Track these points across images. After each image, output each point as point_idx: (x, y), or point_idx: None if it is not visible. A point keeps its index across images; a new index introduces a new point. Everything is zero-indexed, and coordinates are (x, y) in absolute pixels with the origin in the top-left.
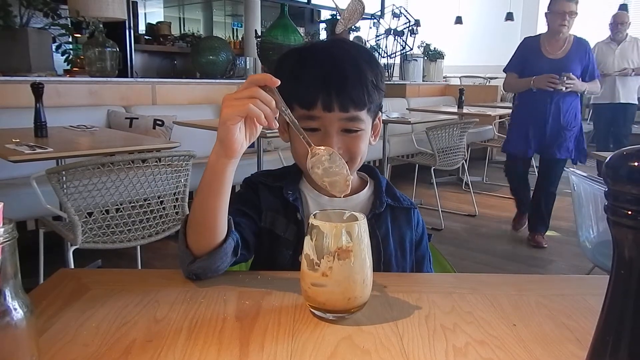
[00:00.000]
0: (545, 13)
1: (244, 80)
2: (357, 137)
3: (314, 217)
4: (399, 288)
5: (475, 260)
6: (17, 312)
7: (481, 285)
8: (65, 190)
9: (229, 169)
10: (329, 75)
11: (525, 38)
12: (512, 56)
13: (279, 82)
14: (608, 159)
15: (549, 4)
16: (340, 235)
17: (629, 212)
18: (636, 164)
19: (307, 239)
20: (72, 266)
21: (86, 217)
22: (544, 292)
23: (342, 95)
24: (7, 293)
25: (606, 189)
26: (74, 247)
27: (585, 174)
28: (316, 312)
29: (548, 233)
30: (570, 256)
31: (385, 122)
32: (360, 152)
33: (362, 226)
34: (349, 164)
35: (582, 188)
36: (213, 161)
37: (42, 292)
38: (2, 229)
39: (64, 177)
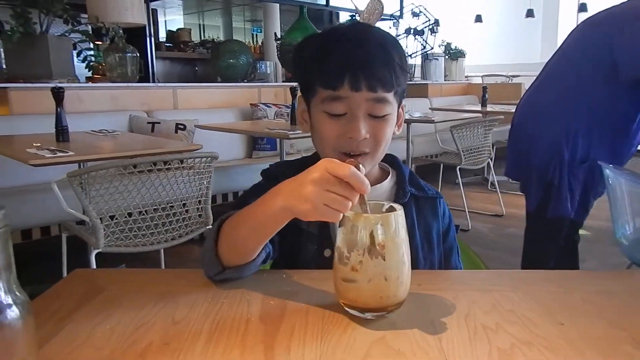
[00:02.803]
0: None
1: (264, 83)
2: (384, 121)
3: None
4: (434, 286)
5: (504, 261)
6: (12, 309)
7: (521, 282)
8: (87, 194)
9: (291, 219)
10: (355, 55)
11: None
12: None
13: (369, 191)
14: None
15: None
16: (373, 227)
17: None
18: None
19: (339, 230)
20: None
21: (108, 221)
22: (589, 288)
23: (369, 74)
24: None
25: None
26: (96, 251)
27: (620, 168)
28: (349, 310)
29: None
30: (602, 255)
31: (408, 122)
32: (385, 137)
33: (398, 219)
34: (373, 151)
35: (617, 182)
36: (276, 214)
37: (56, 293)
38: None
39: (86, 181)
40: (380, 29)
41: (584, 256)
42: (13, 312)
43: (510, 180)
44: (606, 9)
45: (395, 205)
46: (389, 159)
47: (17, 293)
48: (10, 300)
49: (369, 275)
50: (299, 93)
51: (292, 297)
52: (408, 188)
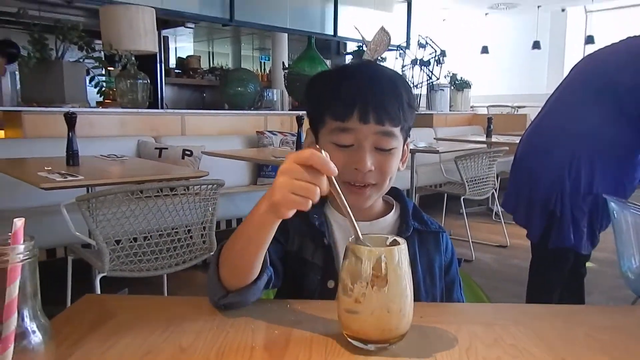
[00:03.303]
0: None
1: (271, 111)
2: (390, 155)
3: (351, 240)
4: (436, 318)
5: (507, 292)
6: (36, 335)
7: (524, 316)
8: (94, 218)
9: (276, 224)
10: (366, 89)
11: None
12: None
13: (337, 172)
14: None
15: None
16: (376, 260)
17: None
18: None
19: (343, 262)
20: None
21: (114, 245)
22: (593, 323)
23: (378, 108)
24: (26, 314)
25: None
26: (101, 275)
27: (625, 201)
28: (352, 341)
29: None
30: (608, 288)
31: (413, 152)
32: (391, 171)
33: (402, 252)
34: (378, 185)
35: (622, 215)
36: (261, 217)
37: (67, 317)
38: (23, 246)
39: (94, 205)
40: (389, 68)
41: (590, 289)
42: (37, 338)
43: (506, 212)
44: (611, 44)
45: (399, 239)
46: (394, 192)
47: (42, 319)
48: (34, 327)
49: (372, 308)
50: (308, 126)
51: (296, 326)
52: (411, 222)
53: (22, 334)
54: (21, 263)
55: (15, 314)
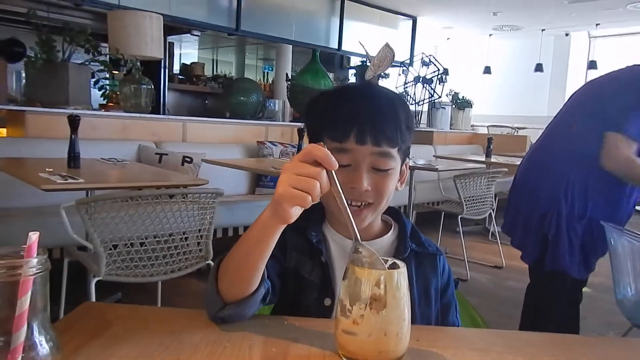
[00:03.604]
0: None
1: (272, 122)
2: (386, 175)
3: (351, 261)
4: (433, 343)
5: (502, 313)
6: (43, 347)
7: (521, 343)
8: (92, 222)
9: (279, 231)
10: (363, 110)
11: None
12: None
13: (337, 166)
14: None
15: None
16: (375, 283)
17: None
18: None
19: (343, 282)
20: (94, 297)
21: (111, 250)
22: (591, 355)
23: (376, 129)
24: (35, 327)
25: None
26: (96, 279)
27: (623, 228)
28: None
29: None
30: (603, 313)
31: (412, 169)
32: (388, 191)
33: (401, 276)
34: (375, 205)
35: (619, 243)
36: (265, 223)
37: (65, 326)
38: (36, 260)
39: (93, 209)
40: (388, 89)
41: (585, 313)
42: (45, 350)
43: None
44: (613, 71)
45: (399, 262)
46: (393, 213)
47: (51, 331)
48: (43, 339)
49: (370, 330)
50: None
51: (293, 344)
52: (409, 243)
53: (30, 347)
54: (33, 276)
55: (25, 326)
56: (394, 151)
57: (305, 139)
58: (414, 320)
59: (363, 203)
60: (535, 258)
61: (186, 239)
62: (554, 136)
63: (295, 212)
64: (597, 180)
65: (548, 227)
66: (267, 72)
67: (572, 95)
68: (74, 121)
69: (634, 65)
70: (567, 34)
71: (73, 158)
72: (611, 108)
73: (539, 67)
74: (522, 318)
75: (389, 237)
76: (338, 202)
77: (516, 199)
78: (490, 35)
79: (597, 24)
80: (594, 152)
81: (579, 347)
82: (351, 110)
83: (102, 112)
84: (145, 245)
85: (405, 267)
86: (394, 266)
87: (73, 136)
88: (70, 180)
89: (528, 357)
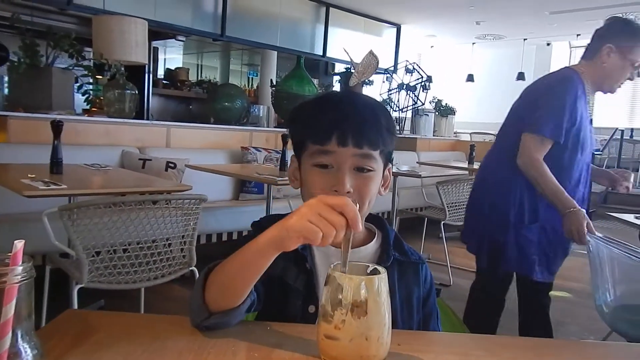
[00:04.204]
0: (608, 49)
1: (256, 127)
2: (368, 177)
3: (333, 267)
4: (413, 347)
5: None
6: (28, 354)
7: (499, 347)
8: (75, 228)
9: (274, 256)
10: (345, 115)
11: (569, 71)
12: (553, 104)
13: (361, 230)
14: None
15: (625, 42)
16: (356, 288)
17: None
18: None
19: (325, 288)
20: (76, 305)
21: (93, 256)
22: (567, 358)
23: (357, 131)
24: (19, 334)
25: None
26: (79, 286)
27: (601, 235)
28: None
29: (559, 294)
30: (584, 319)
31: (395, 175)
32: (370, 193)
33: (382, 281)
34: (359, 206)
35: (598, 250)
36: (262, 249)
37: (48, 333)
38: (21, 267)
39: (75, 215)
40: (370, 97)
41: (565, 319)
42: (29, 357)
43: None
44: (544, 75)
45: (380, 268)
46: (376, 221)
47: (35, 339)
48: (27, 346)
49: (351, 335)
50: (292, 152)
51: (276, 349)
52: (392, 252)
53: (15, 354)
54: (18, 284)
55: (10, 334)
56: (376, 153)
57: (290, 145)
58: (396, 328)
59: None
60: (488, 263)
61: (169, 245)
62: (496, 144)
63: (296, 244)
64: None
65: (498, 236)
66: (252, 78)
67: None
68: (57, 126)
69: (564, 67)
70: (548, 44)
71: (56, 164)
72: (529, 110)
73: (521, 76)
74: (464, 317)
75: (373, 245)
76: (342, 258)
77: (470, 207)
78: (473, 43)
79: (577, 35)
80: None
81: (554, 350)
82: (333, 114)
83: (86, 117)
84: (128, 252)
85: (386, 273)
86: (375, 272)
87: (56, 142)
88: (52, 187)
89: None
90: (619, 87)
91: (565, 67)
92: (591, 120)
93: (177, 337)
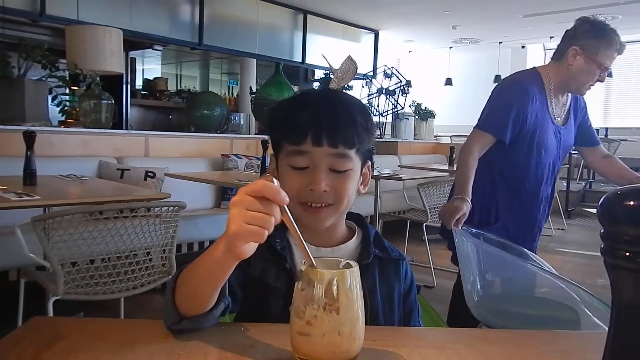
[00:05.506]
0: (574, 51)
1: (236, 135)
2: (345, 176)
3: (304, 263)
4: (389, 342)
5: None
6: None
7: (476, 340)
8: (49, 239)
9: (234, 265)
10: (320, 114)
11: (531, 72)
12: (498, 103)
13: (288, 202)
14: (602, 199)
15: (591, 44)
16: (327, 283)
17: (628, 254)
18: (632, 203)
19: (296, 284)
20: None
21: (70, 267)
22: (542, 348)
23: (332, 130)
24: None
25: (602, 231)
26: (54, 298)
27: (466, 228)
28: None
29: None
30: None
31: (377, 178)
32: (347, 193)
33: (354, 275)
34: (335, 206)
35: (462, 243)
36: (219, 259)
37: (12, 341)
38: None
39: (50, 226)
40: (349, 95)
41: None
42: None
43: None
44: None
45: (351, 262)
46: (356, 219)
47: None
48: None
49: (323, 330)
50: (272, 152)
51: (248, 350)
52: (372, 249)
53: None
54: None
55: None
56: (352, 152)
57: (270, 151)
58: (377, 324)
59: (323, 204)
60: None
61: (149, 253)
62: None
63: (251, 247)
64: (503, 182)
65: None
66: (232, 87)
67: None
68: (29, 137)
69: (531, 68)
70: (523, 46)
71: (29, 175)
72: (484, 108)
73: (497, 79)
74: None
75: (353, 242)
76: (291, 232)
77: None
78: (450, 48)
79: (551, 37)
80: (487, 156)
81: (531, 341)
82: (308, 113)
83: (61, 128)
84: (107, 262)
85: (358, 267)
86: (347, 266)
87: (29, 152)
88: (25, 198)
89: (483, 353)
90: (588, 89)
91: (532, 67)
92: (568, 120)
93: (148, 341)
